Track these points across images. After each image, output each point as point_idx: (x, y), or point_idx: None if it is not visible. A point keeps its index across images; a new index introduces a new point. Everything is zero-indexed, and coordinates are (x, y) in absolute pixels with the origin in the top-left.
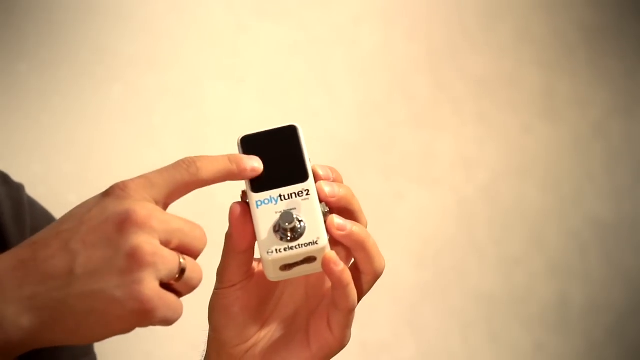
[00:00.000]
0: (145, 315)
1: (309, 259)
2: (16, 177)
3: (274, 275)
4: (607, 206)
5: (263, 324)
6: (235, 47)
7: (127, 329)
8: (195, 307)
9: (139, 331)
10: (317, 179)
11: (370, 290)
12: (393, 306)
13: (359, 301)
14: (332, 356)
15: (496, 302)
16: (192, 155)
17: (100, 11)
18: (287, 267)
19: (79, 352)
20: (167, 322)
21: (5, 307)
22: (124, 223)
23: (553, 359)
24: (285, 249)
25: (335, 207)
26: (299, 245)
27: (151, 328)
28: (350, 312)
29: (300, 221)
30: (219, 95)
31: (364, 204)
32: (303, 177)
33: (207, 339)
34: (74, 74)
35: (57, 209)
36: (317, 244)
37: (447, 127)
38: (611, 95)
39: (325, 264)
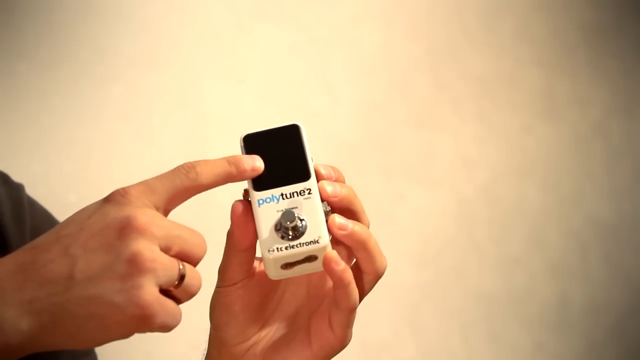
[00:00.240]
0: (144, 321)
1: (310, 258)
2: (16, 177)
3: (275, 273)
4: (607, 206)
5: (264, 323)
6: (235, 47)
7: (127, 334)
8: (195, 307)
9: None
10: (319, 178)
11: (371, 290)
12: (393, 306)
13: (360, 301)
14: (333, 355)
15: (496, 302)
16: (192, 156)
17: (100, 11)
18: (288, 265)
19: (80, 352)
20: (166, 328)
21: (5, 310)
22: (125, 229)
23: (553, 359)
24: (286, 248)
25: (337, 207)
26: (300, 244)
27: None
28: (351, 312)
29: (301, 220)
30: (219, 95)
31: (364, 204)
32: (305, 176)
33: (208, 337)
34: (74, 74)
35: (57, 209)
36: (318, 242)
37: (447, 127)
38: (611, 95)
39: (326, 263)
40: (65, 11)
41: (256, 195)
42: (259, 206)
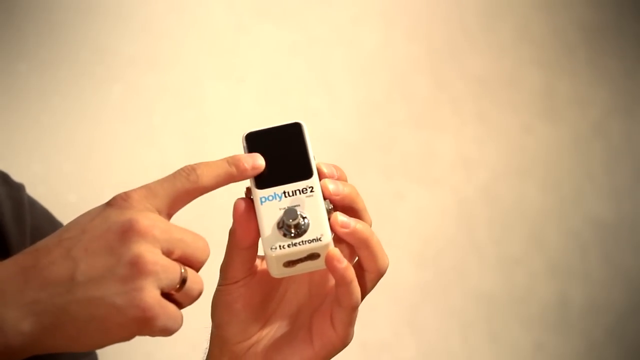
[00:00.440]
0: (145, 323)
1: (313, 256)
2: (16, 177)
3: (277, 271)
4: (607, 206)
5: (266, 322)
6: (235, 48)
7: (127, 337)
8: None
9: None
10: (321, 176)
11: (373, 289)
12: (393, 306)
13: (362, 299)
14: (335, 354)
15: (496, 302)
16: (192, 156)
17: (100, 11)
18: (290, 263)
19: (80, 353)
20: (167, 331)
21: (6, 312)
22: (127, 232)
23: (553, 359)
24: (288, 246)
25: (339, 205)
26: (302, 241)
27: None
28: (353, 310)
29: (304, 218)
30: (219, 95)
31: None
32: (307, 174)
33: (209, 336)
34: (74, 74)
35: (57, 209)
36: (320, 240)
37: (447, 127)
38: (611, 95)
39: (329, 261)
40: (65, 11)
41: (258, 193)
42: (261, 204)
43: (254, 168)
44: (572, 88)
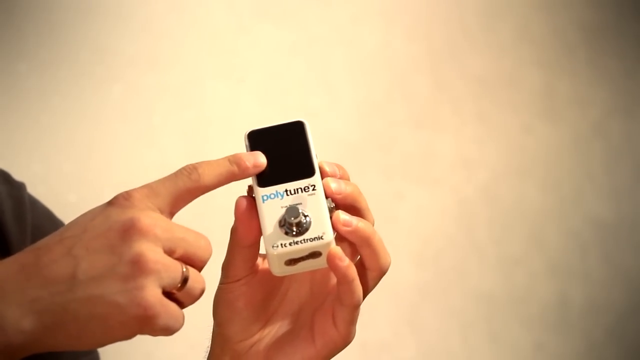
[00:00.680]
0: (146, 322)
1: (314, 254)
2: (16, 177)
3: (278, 270)
4: (607, 206)
5: (267, 320)
6: (236, 48)
7: (129, 336)
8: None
9: None
10: (323, 175)
11: (375, 287)
12: (393, 306)
13: (364, 297)
14: (337, 352)
15: (496, 302)
16: (192, 156)
17: (100, 11)
18: (292, 262)
19: (81, 351)
20: (168, 330)
21: (7, 309)
22: (128, 231)
23: (553, 359)
24: (290, 244)
25: (341, 204)
26: (304, 240)
27: None
28: (355, 308)
29: (305, 216)
30: (219, 95)
31: None
32: (309, 173)
33: (211, 335)
34: (74, 74)
35: (57, 209)
36: (322, 239)
37: (447, 127)
38: (611, 95)
39: (330, 260)
40: (65, 11)
41: (260, 192)
42: (263, 202)
43: (255, 166)
44: (572, 88)
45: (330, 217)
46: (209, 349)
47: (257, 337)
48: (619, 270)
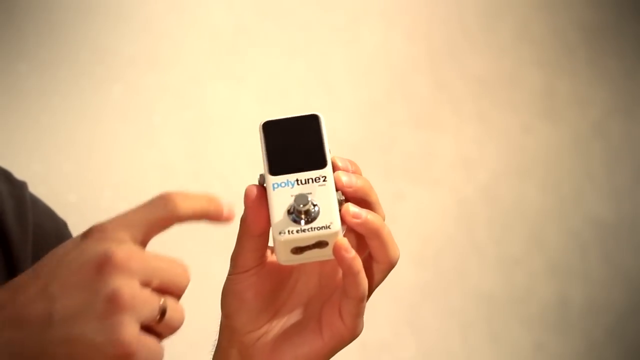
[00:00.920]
0: None
1: (321, 244)
2: (16, 177)
3: (285, 258)
4: (607, 206)
5: (276, 312)
6: (235, 48)
7: None
8: (196, 307)
9: None
10: (335, 169)
11: (383, 281)
12: (393, 306)
13: (372, 291)
14: (344, 345)
15: (496, 302)
16: (192, 156)
17: (100, 11)
18: (298, 250)
19: None
20: None
21: None
22: (103, 266)
23: (553, 359)
24: (297, 231)
25: (352, 198)
26: (311, 228)
27: None
28: (360, 301)
29: (314, 205)
30: (219, 95)
31: None
32: (321, 164)
33: (218, 327)
34: (74, 74)
35: (57, 209)
36: (329, 228)
37: (447, 127)
38: (611, 95)
39: (337, 250)
40: (65, 11)
41: (271, 179)
42: (273, 190)
43: (228, 217)
44: (572, 88)
45: (340, 209)
46: (216, 342)
47: (265, 328)
48: (619, 270)
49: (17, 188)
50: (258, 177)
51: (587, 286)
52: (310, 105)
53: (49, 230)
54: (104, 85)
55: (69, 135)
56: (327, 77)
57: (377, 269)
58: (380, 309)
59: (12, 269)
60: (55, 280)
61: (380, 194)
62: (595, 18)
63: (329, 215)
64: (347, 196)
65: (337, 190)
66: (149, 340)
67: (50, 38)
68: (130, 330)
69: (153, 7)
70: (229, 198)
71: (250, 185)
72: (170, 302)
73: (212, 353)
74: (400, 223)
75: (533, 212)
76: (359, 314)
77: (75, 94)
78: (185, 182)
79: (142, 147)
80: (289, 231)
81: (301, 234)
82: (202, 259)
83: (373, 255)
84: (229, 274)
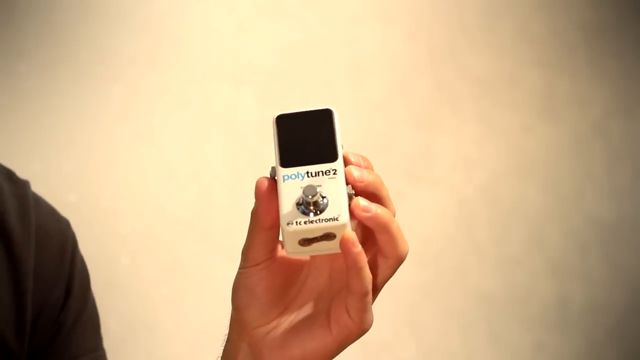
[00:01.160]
0: None
1: (329, 236)
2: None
3: (292, 249)
4: (607, 206)
5: (286, 307)
6: (236, 47)
7: None
8: (195, 307)
9: (139, 332)
10: (347, 164)
11: (392, 276)
12: (393, 306)
13: (381, 287)
14: (353, 340)
15: (496, 302)
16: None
17: (100, 11)
18: (306, 241)
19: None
20: None
21: None
22: None
23: (553, 359)
24: (305, 222)
25: (362, 192)
26: (319, 219)
27: (152, 328)
28: (364, 296)
29: (323, 197)
30: (219, 95)
31: None
32: (332, 158)
33: (229, 322)
34: (74, 74)
35: (58, 209)
36: (337, 220)
37: (447, 127)
38: (611, 95)
39: (344, 244)
40: (65, 11)
41: (282, 171)
42: (283, 182)
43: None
44: (572, 88)
45: (350, 203)
46: (226, 335)
47: (275, 323)
48: (619, 270)
49: (19, 187)
50: (270, 169)
51: (587, 286)
52: (310, 106)
53: (51, 230)
54: (104, 85)
55: (69, 135)
56: (327, 77)
57: (385, 264)
58: (381, 309)
59: (15, 270)
60: None
61: None
62: (595, 18)
63: (337, 208)
64: (358, 191)
65: (348, 184)
66: None
67: (50, 38)
68: None
69: (153, 7)
70: (229, 198)
71: (261, 178)
72: None
73: (222, 346)
74: (400, 223)
75: (533, 212)
76: (364, 309)
77: (75, 94)
78: (185, 182)
79: (142, 147)
80: (297, 222)
81: (309, 225)
82: (202, 259)
83: (382, 250)
84: (239, 268)
